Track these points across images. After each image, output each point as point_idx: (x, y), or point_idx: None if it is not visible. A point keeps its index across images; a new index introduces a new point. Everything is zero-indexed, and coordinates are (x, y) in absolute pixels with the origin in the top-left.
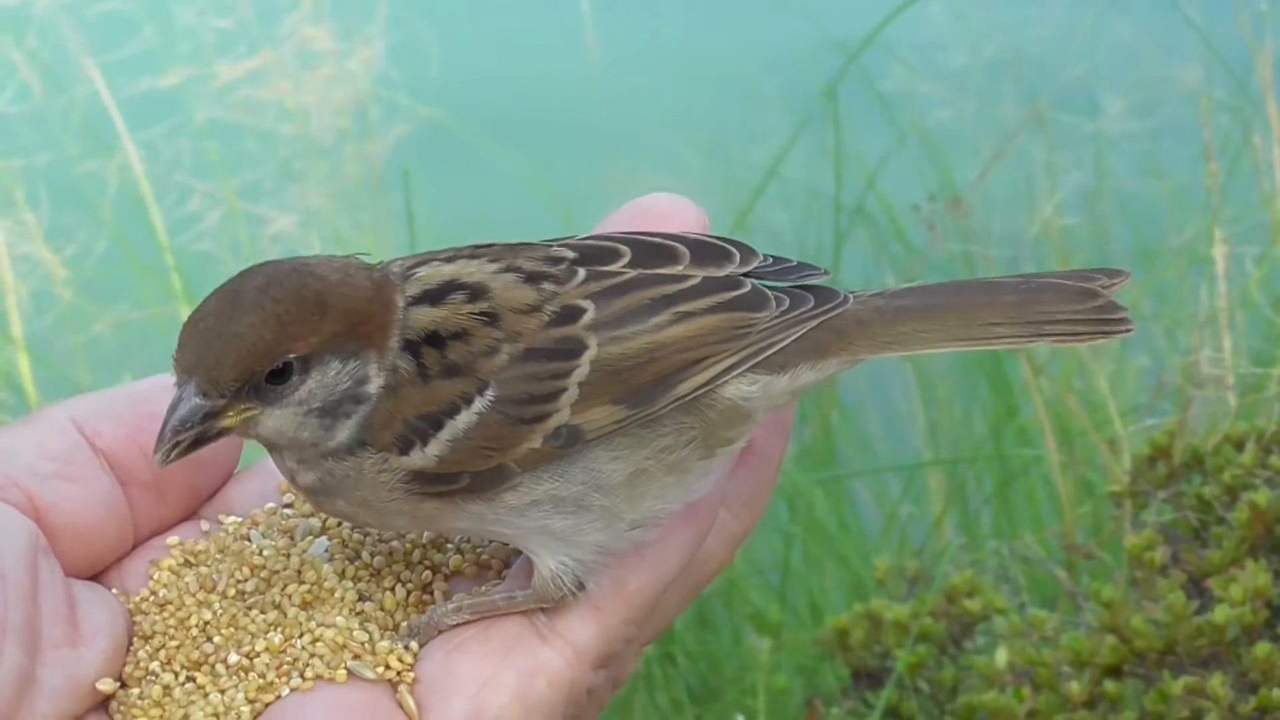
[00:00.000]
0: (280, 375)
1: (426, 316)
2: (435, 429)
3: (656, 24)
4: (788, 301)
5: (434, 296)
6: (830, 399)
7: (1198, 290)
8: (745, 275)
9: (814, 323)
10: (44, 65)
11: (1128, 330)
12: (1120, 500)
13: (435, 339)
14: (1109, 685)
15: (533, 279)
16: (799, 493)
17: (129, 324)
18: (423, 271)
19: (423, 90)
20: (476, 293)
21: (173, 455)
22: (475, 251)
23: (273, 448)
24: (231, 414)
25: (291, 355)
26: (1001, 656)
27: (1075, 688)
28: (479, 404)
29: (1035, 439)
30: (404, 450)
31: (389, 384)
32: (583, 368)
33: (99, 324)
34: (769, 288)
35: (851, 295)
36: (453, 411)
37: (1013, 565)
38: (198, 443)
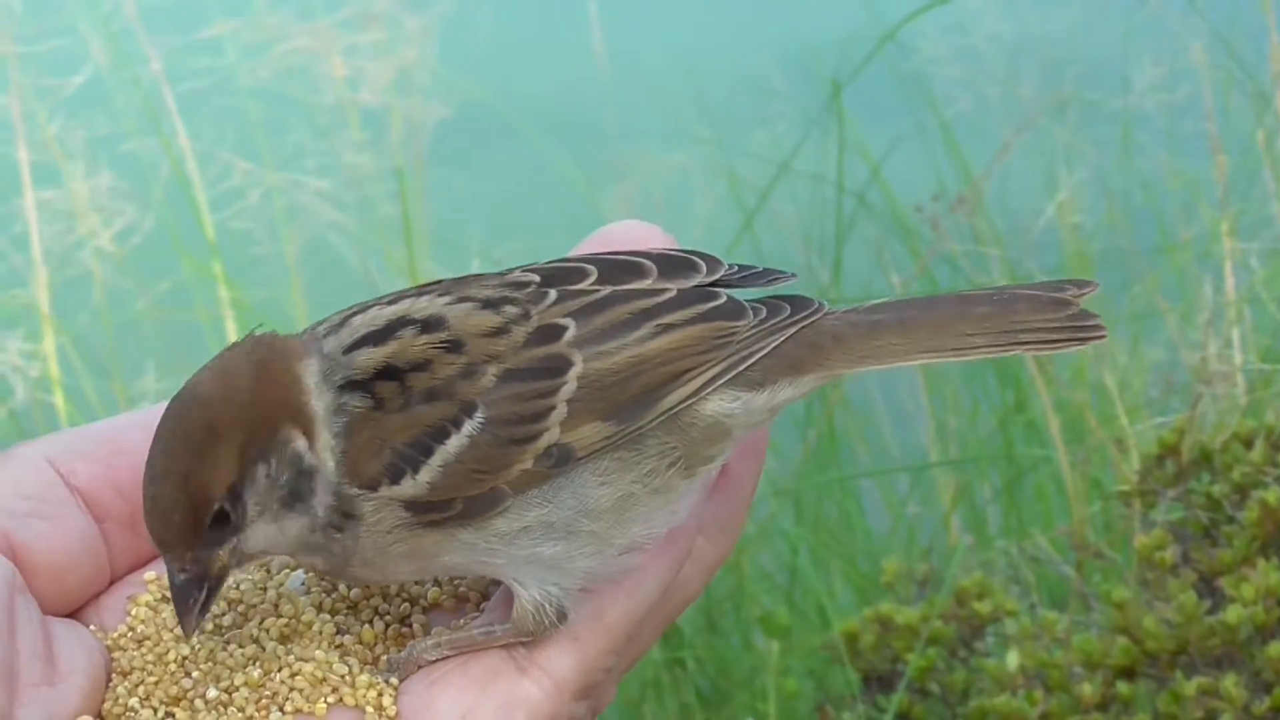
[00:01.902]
0: (222, 516)
1: (371, 356)
2: (425, 455)
3: (666, 17)
4: (765, 310)
5: (377, 337)
6: (837, 399)
7: (1208, 286)
8: (713, 285)
9: (794, 329)
10: (111, 37)
11: (1100, 336)
12: (1129, 499)
13: (391, 372)
14: (1121, 687)
15: (491, 304)
16: (806, 495)
17: (166, 300)
18: (358, 319)
19: (467, 70)
20: (430, 325)
21: (196, 621)
22: (422, 289)
23: (292, 554)
24: (216, 561)
25: (215, 504)
26: (1013, 659)
27: (1087, 689)
28: (469, 426)
29: (1043, 437)
30: (395, 479)
31: (343, 431)
32: (570, 384)
33: (139, 302)
34: (744, 297)
35: (826, 305)
36: (442, 436)
37: (1022, 565)
38: (211, 594)
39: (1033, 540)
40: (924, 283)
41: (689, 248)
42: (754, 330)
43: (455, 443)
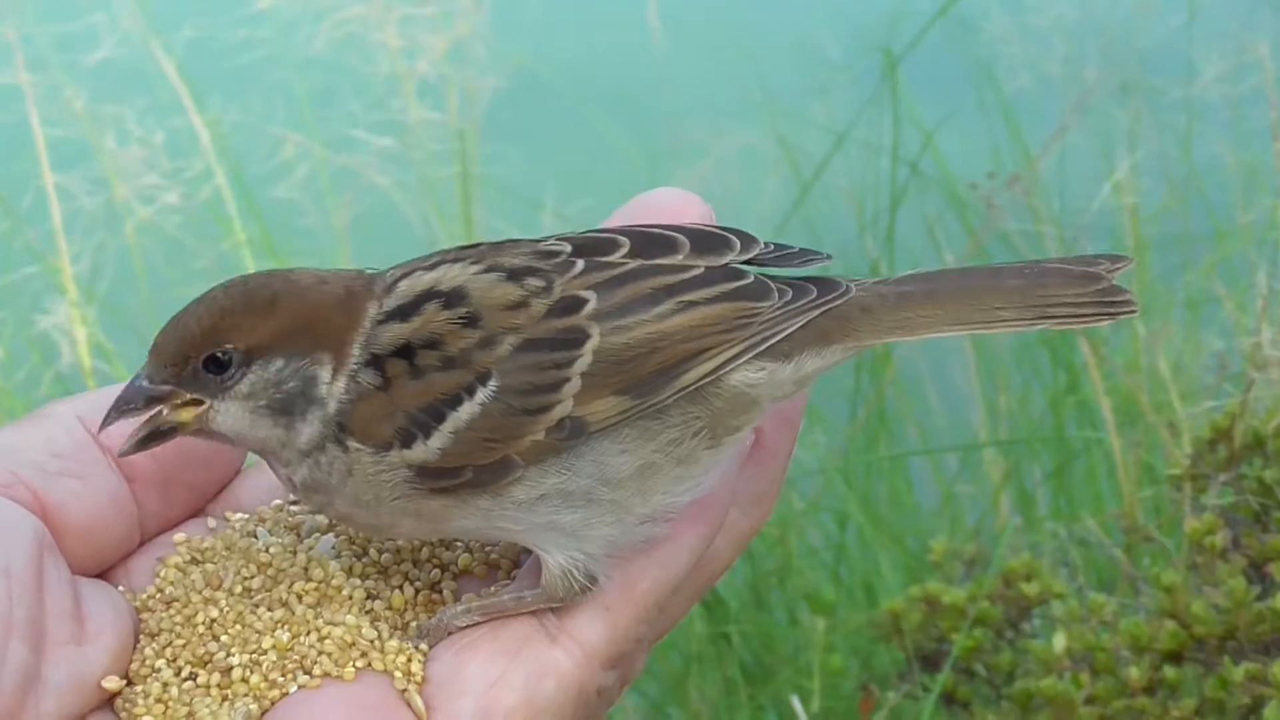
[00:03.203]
0: (219, 365)
1: (395, 332)
2: (437, 421)
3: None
4: (790, 292)
5: (406, 311)
6: (889, 378)
7: (1263, 272)
8: (747, 263)
9: (816, 313)
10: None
11: (1131, 312)
12: (1180, 483)
13: (405, 350)
14: (1168, 671)
15: (515, 275)
16: (855, 472)
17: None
18: (403, 285)
19: (521, 40)
20: (453, 298)
21: (130, 445)
22: (460, 254)
23: (258, 452)
24: (179, 402)
25: (229, 345)
26: (1059, 641)
27: (1134, 673)
28: (482, 394)
29: (1095, 420)
30: (406, 444)
31: (352, 393)
32: (585, 357)
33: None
34: (771, 277)
35: (854, 283)
36: (455, 403)
37: (1071, 548)
38: (155, 435)
39: (1082, 523)
40: (978, 260)
41: (729, 225)
42: (778, 312)
43: (468, 410)
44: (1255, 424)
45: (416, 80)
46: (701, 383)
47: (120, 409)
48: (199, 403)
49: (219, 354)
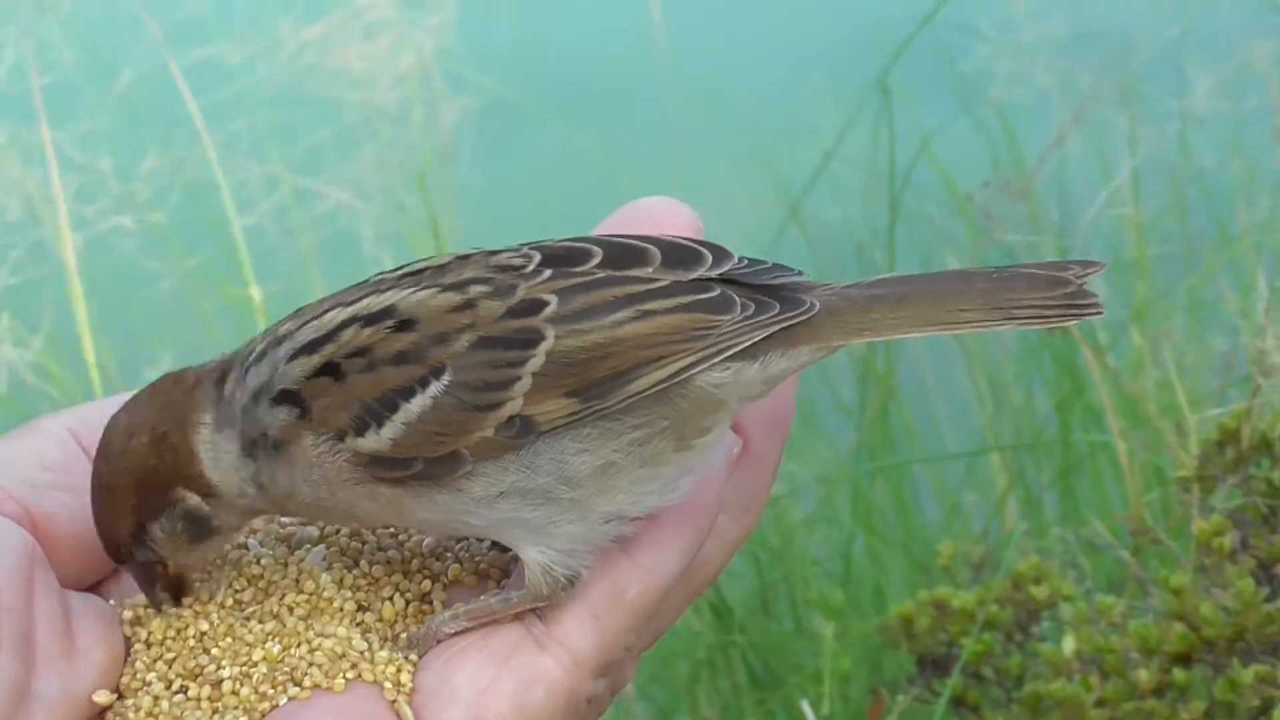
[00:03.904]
0: (133, 552)
1: (304, 365)
2: (390, 411)
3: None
4: (753, 307)
5: (314, 345)
6: (889, 389)
7: (1263, 276)
8: (720, 276)
9: (776, 328)
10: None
11: (1096, 313)
12: (1188, 485)
13: (328, 368)
14: (1178, 673)
15: (455, 287)
16: (859, 481)
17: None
18: (304, 331)
19: (489, 62)
20: (378, 316)
21: (162, 598)
22: (397, 280)
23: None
24: (159, 567)
25: (124, 545)
26: (1069, 644)
27: (1144, 676)
28: (434, 387)
29: (1101, 424)
30: (359, 431)
31: (258, 456)
32: (538, 358)
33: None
34: (741, 289)
35: (824, 287)
36: (408, 394)
37: (1078, 551)
38: (176, 587)
39: (1090, 526)
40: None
41: (724, 239)
42: (737, 325)
43: (419, 403)
44: (1262, 425)
45: (384, 103)
46: (654, 389)
47: (152, 588)
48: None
49: (123, 550)
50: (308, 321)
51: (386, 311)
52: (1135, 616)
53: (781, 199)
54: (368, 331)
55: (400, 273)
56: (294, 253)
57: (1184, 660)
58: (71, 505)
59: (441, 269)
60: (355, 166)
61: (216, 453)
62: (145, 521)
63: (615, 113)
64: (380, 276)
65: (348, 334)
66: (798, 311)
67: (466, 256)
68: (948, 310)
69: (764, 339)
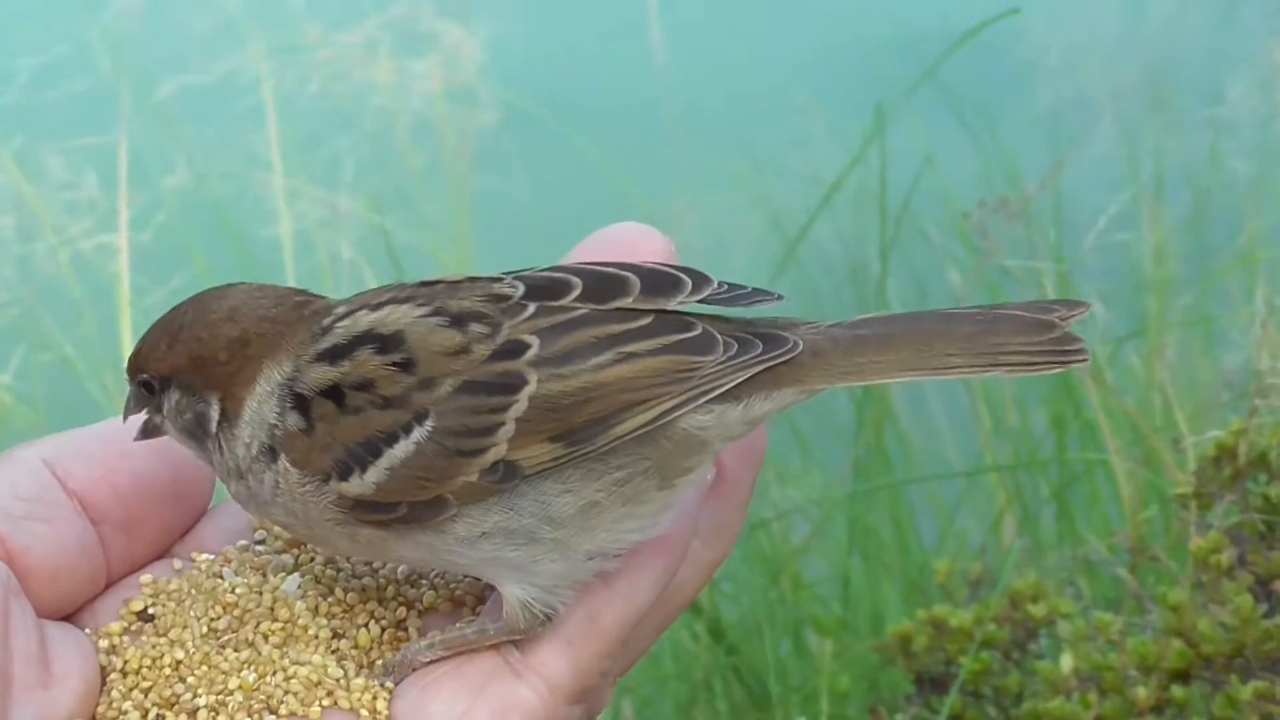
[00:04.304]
0: (149, 388)
1: (323, 374)
2: (374, 456)
3: (727, 13)
4: (736, 347)
5: (336, 354)
6: (885, 408)
7: (1260, 295)
8: (700, 301)
9: (759, 368)
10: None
11: (1083, 360)
12: (1185, 502)
13: (334, 391)
14: (1176, 690)
15: (459, 321)
16: (856, 501)
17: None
18: (344, 324)
19: (510, 77)
20: (390, 343)
21: (136, 434)
22: (413, 292)
23: None
24: (147, 411)
25: (145, 375)
26: (1067, 662)
27: (1142, 693)
28: (417, 433)
29: (1099, 441)
30: (343, 476)
31: (264, 432)
32: (521, 403)
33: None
34: (723, 326)
35: (808, 326)
36: (391, 440)
37: (1076, 569)
38: (148, 431)
39: (1088, 543)
40: (981, 289)
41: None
42: (719, 366)
43: (402, 448)
44: (1260, 442)
45: (409, 116)
46: (637, 433)
47: (128, 407)
48: (155, 411)
49: (146, 378)
50: (355, 310)
51: (398, 340)
52: (1133, 634)
53: (779, 219)
54: (376, 362)
55: (420, 280)
56: (312, 264)
57: (1182, 677)
58: (46, 535)
59: (454, 286)
60: (375, 179)
61: (264, 407)
62: (174, 381)
63: (621, 131)
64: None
65: (362, 355)
66: (780, 351)
67: (476, 278)
68: (934, 355)
69: (747, 380)
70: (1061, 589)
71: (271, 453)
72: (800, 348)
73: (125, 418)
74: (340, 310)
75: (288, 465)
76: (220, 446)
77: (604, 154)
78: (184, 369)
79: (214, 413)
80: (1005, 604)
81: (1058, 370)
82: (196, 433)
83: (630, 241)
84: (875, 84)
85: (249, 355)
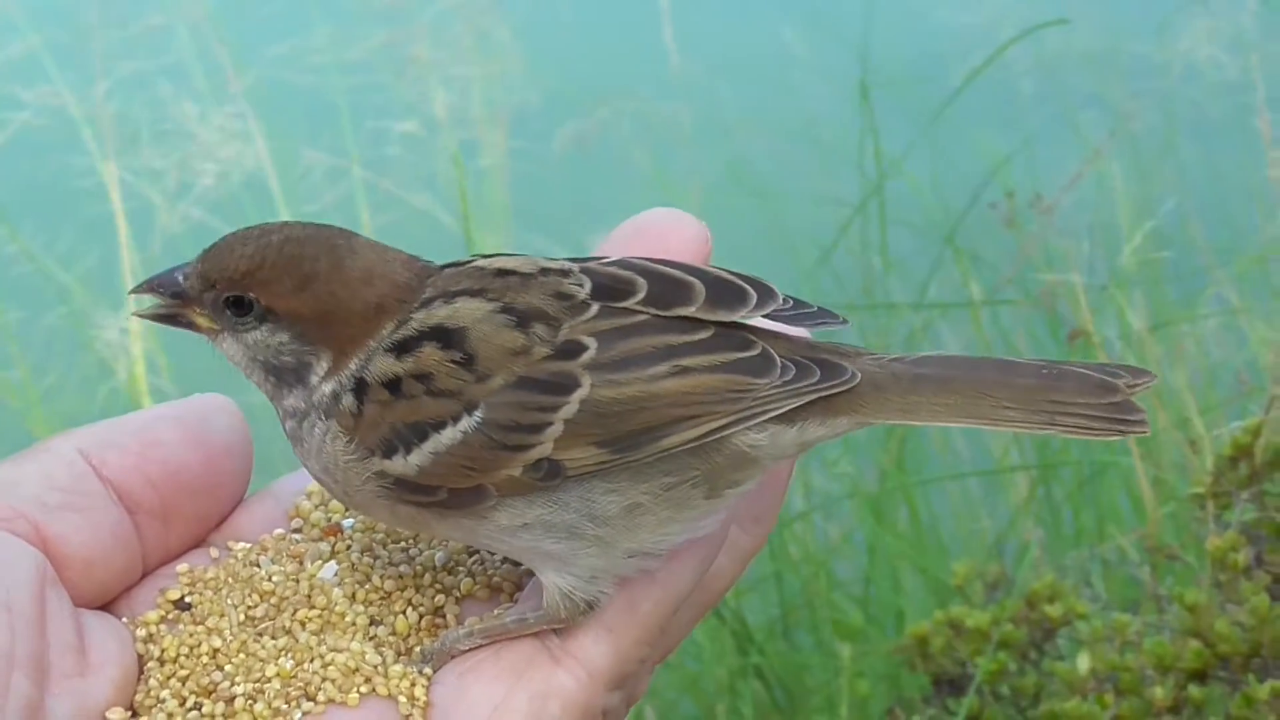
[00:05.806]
0: (240, 307)
1: (387, 366)
2: (420, 439)
3: (744, 25)
4: (793, 371)
5: (403, 347)
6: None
7: None
8: (764, 316)
9: (813, 396)
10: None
11: (1142, 432)
12: (1202, 501)
13: (394, 384)
14: (1193, 690)
15: (524, 321)
16: (883, 501)
17: None
18: (419, 315)
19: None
20: (454, 340)
21: (145, 310)
22: (489, 283)
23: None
24: (200, 313)
25: (253, 296)
26: (1084, 662)
27: (1159, 693)
28: (465, 423)
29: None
30: (387, 454)
31: (331, 401)
32: (571, 405)
33: None
34: (784, 345)
35: (870, 357)
36: (439, 426)
37: (1093, 569)
38: (168, 319)
39: (1104, 543)
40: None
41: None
42: (773, 390)
43: (449, 435)
44: (1277, 440)
45: (447, 102)
46: (684, 447)
47: (153, 287)
48: (215, 322)
49: (244, 298)
50: (432, 300)
51: (461, 337)
52: (1150, 634)
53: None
54: (438, 357)
55: (497, 266)
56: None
57: (1200, 677)
58: (81, 524)
59: (526, 281)
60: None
61: (371, 359)
62: (285, 321)
63: (636, 143)
64: (487, 261)
65: (428, 350)
66: (837, 381)
67: (547, 270)
68: (992, 405)
69: (802, 405)
70: (1078, 589)
71: (330, 413)
72: (858, 379)
73: (145, 290)
74: (431, 294)
75: (338, 430)
76: (296, 391)
77: (614, 164)
78: (306, 317)
79: (321, 367)
80: (1022, 605)
81: (1114, 437)
82: (285, 375)
83: (662, 228)
84: (896, 107)
85: (374, 324)
